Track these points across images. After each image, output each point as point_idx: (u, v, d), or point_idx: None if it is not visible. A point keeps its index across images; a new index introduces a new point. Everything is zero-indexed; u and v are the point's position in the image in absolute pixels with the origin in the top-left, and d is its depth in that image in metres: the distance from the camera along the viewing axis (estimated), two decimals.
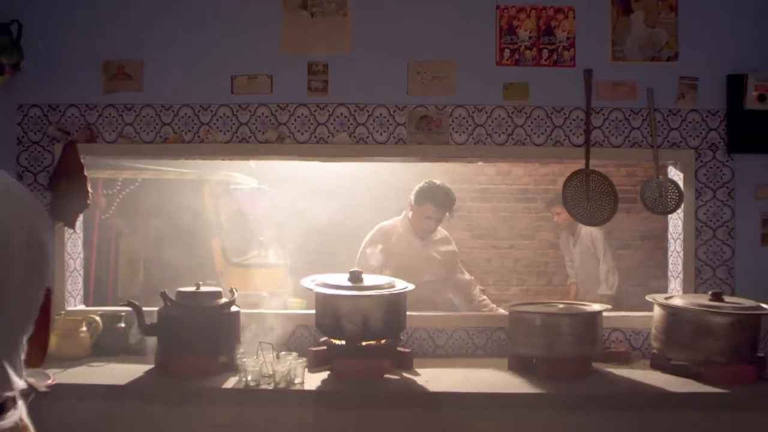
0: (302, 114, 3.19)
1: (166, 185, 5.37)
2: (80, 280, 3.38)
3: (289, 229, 5.19)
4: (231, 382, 2.62)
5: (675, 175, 3.29)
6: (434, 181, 4.05)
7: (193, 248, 5.24)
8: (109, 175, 5.19)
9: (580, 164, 3.22)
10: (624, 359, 3.02)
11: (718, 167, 3.21)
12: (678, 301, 2.85)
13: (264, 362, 2.60)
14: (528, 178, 7.19)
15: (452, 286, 4.02)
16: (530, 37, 3.21)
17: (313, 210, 4.96)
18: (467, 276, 4.09)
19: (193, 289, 2.84)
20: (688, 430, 2.55)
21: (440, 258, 3.98)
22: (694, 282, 3.20)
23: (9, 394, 1.52)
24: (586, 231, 5.80)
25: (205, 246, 5.52)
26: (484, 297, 4.07)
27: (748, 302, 2.84)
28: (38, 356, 1.69)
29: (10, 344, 1.54)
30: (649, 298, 2.96)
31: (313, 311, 2.94)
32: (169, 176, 5.37)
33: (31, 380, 2.37)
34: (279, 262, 5.70)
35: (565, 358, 2.77)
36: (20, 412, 1.57)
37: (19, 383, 1.55)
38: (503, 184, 7.21)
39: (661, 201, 3.20)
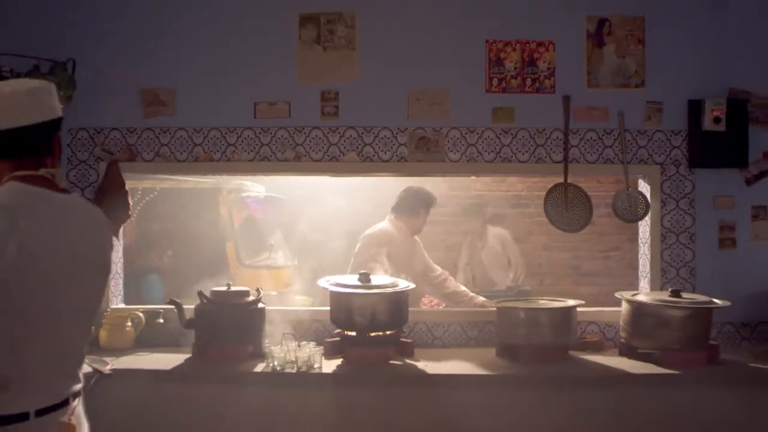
0: (316, 136, 3.66)
1: (183, 194, 5.78)
2: (121, 281, 3.84)
3: (296, 232, 5.66)
4: (260, 367, 3.08)
5: (643, 187, 3.75)
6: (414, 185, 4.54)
7: (208, 251, 5.67)
8: (131, 185, 5.60)
9: (560, 178, 3.68)
10: (597, 348, 3.48)
11: (680, 180, 3.67)
12: (642, 297, 3.32)
13: (288, 350, 3.06)
14: (522, 185, 7.63)
15: (427, 283, 4.46)
16: (515, 68, 3.67)
17: (320, 215, 5.42)
18: (439, 271, 4.53)
19: (224, 288, 3.30)
20: (647, 406, 3.00)
21: (423, 255, 4.47)
22: (660, 281, 3.65)
23: (74, 389, 1.88)
24: (494, 236, 6.21)
25: (220, 249, 5.94)
26: (462, 288, 4.53)
27: (702, 298, 3.30)
28: None
29: (81, 348, 1.93)
30: (617, 294, 3.42)
31: (322, 307, 3.42)
32: (185, 185, 5.78)
33: (96, 365, 2.85)
34: (287, 263, 6.15)
35: (544, 345, 3.23)
36: (76, 404, 1.89)
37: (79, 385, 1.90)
38: (498, 191, 7.65)
39: (631, 210, 3.67)
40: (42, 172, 1.89)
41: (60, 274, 1.79)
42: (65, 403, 1.82)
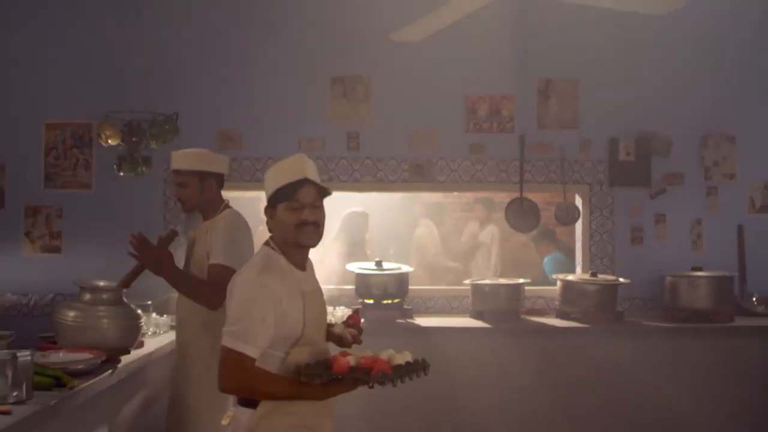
0: (343, 164, 5.12)
1: (232, 202, 7.21)
2: None
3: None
4: None
5: (577, 200, 5.21)
6: None
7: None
8: None
9: (517, 194, 5.13)
10: (542, 313, 4.95)
11: (603, 196, 5.14)
12: (570, 277, 4.79)
13: (329, 311, 4.52)
14: (504, 193, 9.04)
15: None
16: (486, 115, 5.14)
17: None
18: None
19: None
20: (569, 348, 4.47)
21: None
22: (589, 267, 5.10)
23: None
24: (488, 229, 7.23)
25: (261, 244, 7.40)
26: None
27: (611, 278, 4.76)
28: None
29: None
30: (554, 276, 4.88)
31: (347, 286, 4.91)
32: (233, 194, 7.20)
33: None
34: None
35: (503, 309, 4.70)
36: None
37: None
38: None
39: (568, 217, 5.12)
40: None
41: None
42: None
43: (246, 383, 2.28)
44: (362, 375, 2.25)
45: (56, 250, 5.17)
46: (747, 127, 5.17)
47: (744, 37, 5.14)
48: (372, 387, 2.26)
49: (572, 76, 5.15)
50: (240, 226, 3.42)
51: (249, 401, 2.35)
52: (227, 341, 2.26)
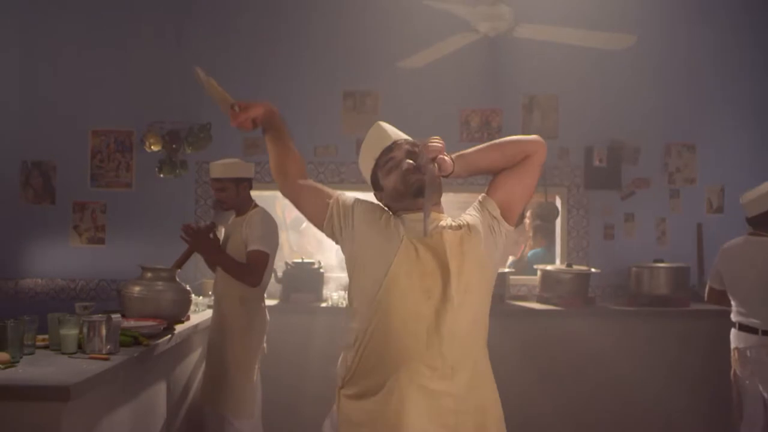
0: (353, 167, 5.86)
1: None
2: None
3: None
4: (323, 305, 5.30)
5: (557, 200, 5.96)
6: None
7: None
8: None
9: None
10: (524, 298, 5.69)
11: (580, 197, 5.89)
12: (549, 267, 5.54)
13: (339, 295, 5.28)
14: None
15: None
16: (477, 126, 5.89)
17: None
18: None
19: (300, 260, 5.53)
20: (545, 327, 5.21)
21: None
22: (567, 259, 5.85)
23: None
24: None
25: None
26: None
27: (584, 268, 5.51)
28: None
29: None
30: (535, 266, 5.63)
31: None
32: (254, 193, 7.96)
33: None
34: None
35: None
36: None
37: None
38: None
39: (549, 215, 5.87)
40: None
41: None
42: None
43: None
44: None
45: (100, 241, 5.93)
46: (705, 137, 5.93)
47: (698, 60, 5.91)
48: None
49: (553, 92, 5.89)
50: (271, 220, 4.22)
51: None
52: None
